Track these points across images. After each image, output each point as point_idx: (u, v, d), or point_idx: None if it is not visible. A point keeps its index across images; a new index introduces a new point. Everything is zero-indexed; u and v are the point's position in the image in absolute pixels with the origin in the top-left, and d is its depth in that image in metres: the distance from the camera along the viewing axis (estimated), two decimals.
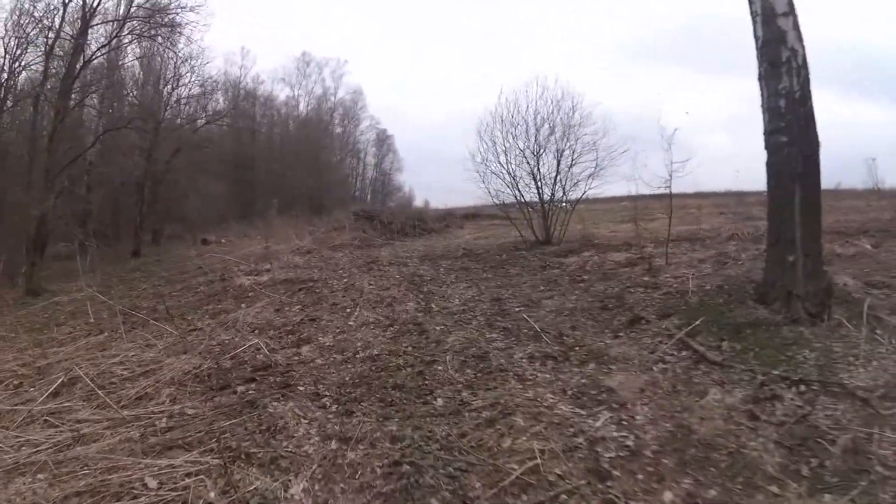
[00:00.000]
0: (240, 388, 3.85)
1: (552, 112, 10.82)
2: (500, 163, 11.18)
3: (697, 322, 4.47)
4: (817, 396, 3.21)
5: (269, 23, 53.42)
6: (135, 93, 19.14)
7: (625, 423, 3.10)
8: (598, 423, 3.08)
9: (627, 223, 14.48)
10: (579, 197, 10.92)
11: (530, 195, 11.07)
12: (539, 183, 10.93)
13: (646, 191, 7.71)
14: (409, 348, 4.70)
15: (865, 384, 3.28)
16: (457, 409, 3.37)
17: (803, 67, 4.57)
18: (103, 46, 13.56)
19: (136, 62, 18.58)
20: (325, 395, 3.70)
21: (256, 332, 5.41)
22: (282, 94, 32.60)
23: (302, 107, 32.77)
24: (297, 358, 4.55)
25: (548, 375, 3.89)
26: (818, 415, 3.03)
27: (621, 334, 4.74)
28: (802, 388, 3.32)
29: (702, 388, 3.49)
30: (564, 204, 10.88)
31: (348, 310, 6.04)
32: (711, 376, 3.65)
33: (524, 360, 4.24)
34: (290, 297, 6.88)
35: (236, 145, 28.77)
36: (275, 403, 3.48)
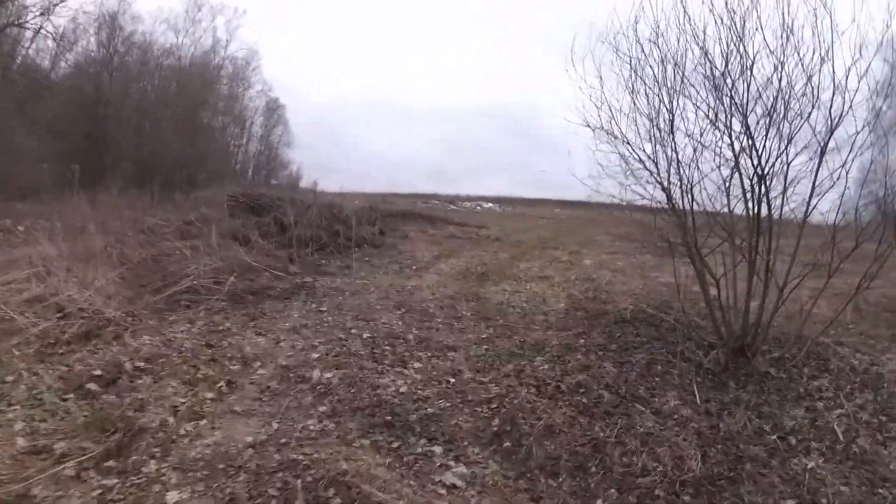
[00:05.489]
0: None
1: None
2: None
3: None
4: None
5: None
6: None
7: None
8: None
9: None
10: None
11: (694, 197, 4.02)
12: (754, 159, 3.73)
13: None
14: None
15: None
16: None
17: None
18: None
19: None
20: None
21: None
22: (162, 38, 27.38)
23: (185, 57, 27.66)
24: None
25: None
26: None
27: None
28: None
29: None
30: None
31: None
32: None
33: None
34: None
35: (94, 92, 23.64)
36: None
